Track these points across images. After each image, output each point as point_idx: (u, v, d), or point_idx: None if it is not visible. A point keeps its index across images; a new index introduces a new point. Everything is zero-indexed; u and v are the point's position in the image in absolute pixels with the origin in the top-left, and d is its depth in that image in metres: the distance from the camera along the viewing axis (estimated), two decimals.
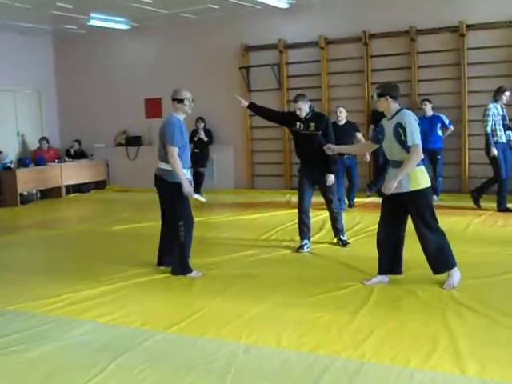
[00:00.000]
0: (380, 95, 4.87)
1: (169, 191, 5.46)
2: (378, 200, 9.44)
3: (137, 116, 12.77)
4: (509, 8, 9.30)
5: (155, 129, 12.35)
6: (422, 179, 4.79)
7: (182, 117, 5.53)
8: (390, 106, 4.85)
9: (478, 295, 4.63)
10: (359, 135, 8.84)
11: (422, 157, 4.78)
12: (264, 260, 6.05)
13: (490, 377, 3.23)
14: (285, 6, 10.65)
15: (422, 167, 4.84)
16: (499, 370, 3.29)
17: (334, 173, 6.30)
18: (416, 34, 10.02)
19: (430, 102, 9.31)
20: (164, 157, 5.43)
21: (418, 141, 4.70)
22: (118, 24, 11.94)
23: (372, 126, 9.77)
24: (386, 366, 3.42)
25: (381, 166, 9.58)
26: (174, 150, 5.32)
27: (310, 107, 6.22)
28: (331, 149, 5.55)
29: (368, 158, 9.13)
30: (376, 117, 9.80)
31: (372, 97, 5.15)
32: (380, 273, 5.10)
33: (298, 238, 6.48)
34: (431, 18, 9.85)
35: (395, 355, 3.55)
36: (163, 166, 5.46)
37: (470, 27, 9.64)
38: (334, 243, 6.64)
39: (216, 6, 10.63)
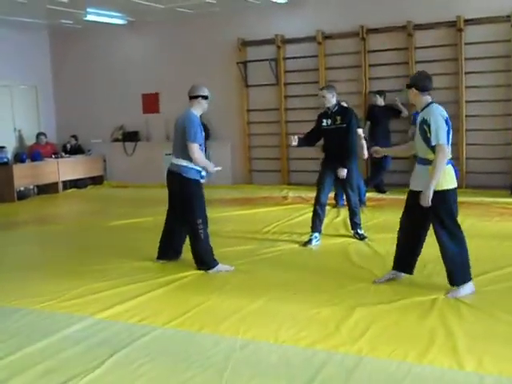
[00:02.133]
0: (408, 86, 4.63)
1: (186, 188, 5.46)
2: (376, 195, 9.52)
3: (134, 111, 12.74)
4: (506, 3, 9.29)
5: (152, 124, 12.56)
6: (442, 179, 4.44)
7: (199, 113, 5.54)
8: (417, 98, 4.60)
9: (475, 290, 4.63)
10: (360, 131, 8.79)
11: (450, 156, 4.48)
12: (262, 255, 6.05)
13: (487, 372, 3.23)
14: (282, 0, 10.61)
15: (448, 166, 4.48)
16: (496, 365, 3.30)
17: (346, 167, 6.33)
18: (413, 29, 10.01)
19: None
20: (182, 153, 5.41)
21: (443, 140, 4.38)
22: (115, 19, 11.89)
23: (368, 123, 9.76)
24: (383, 361, 3.43)
25: (378, 161, 9.57)
26: (196, 146, 5.35)
27: (337, 102, 6.39)
28: (377, 151, 5.25)
29: (366, 155, 8.95)
30: (373, 113, 9.82)
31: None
32: (394, 268, 4.93)
33: (295, 233, 6.48)
34: (428, 12, 9.84)
35: (393, 350, 3.55)
36: (181, 162, 5.44)
37: (467, 22, 9.63)
38: (332, 237, 6.66)
39: (213, 1, 10.58)
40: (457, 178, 4.62)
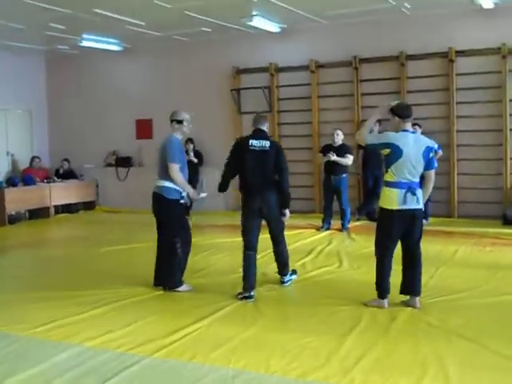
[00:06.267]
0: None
1: (166, 208, 5.61)
2: (369, 223, 9.51)
3: (127, 137, 12.78)
4: (497, 35, 9.44)
5: (145, 150, 12.60)
6: (385, 199, 4.92)
7: (180, 137, 5.77)
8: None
9: (466, 319, 4.64)
10: (349, 157, 8.92)
11: (395, 179, 4.81)
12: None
13: None
14: (276, 30, 10.75)
15: (392, 189, 4.84)
16: None
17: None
18: (406, 59, 10.14)
19: (419, 126, 9.38)
20: (163, 175, 5.59)
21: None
22: (111, 45, 11.99)
23: (361, 151, 9.79)
24: None
25: (370, 189, 9.63)
26: (176, 167, 5.53)
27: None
28: None
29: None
30: None
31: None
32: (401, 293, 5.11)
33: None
34: (421, 43, 9.98)
35: (384, 382, 3.52)
36: (162, 183, 5.61)
37: (459, 53, 9.78)
38: (322, 266, 6.65)
39: (208, 29, 10.72)
40: (404, 203, 4.82)
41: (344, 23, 10.41)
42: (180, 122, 5.68)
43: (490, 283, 5.78)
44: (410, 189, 4.82)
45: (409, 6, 9.44)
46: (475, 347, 4.07)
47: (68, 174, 12.76)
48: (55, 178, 12.38)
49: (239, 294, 5.45)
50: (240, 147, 5.69)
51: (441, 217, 9.77)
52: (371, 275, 5.17)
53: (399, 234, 4.93)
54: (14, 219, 11.11)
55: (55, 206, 11.92)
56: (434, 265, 6.38)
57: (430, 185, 5.08)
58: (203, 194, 5.95)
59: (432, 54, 9.99)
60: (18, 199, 11.12)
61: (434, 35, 9.90)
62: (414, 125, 9.43)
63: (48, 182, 11.97)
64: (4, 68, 12.28)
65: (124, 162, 12.79)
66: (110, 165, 12.96)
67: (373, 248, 5.13)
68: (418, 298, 5.00)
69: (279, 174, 5.59)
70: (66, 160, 12.91)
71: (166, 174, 5.57)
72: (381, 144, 4.90)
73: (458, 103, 9.85)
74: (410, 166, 4.81)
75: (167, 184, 5.58)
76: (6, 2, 8.44)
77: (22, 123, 13.16)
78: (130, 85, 12.71)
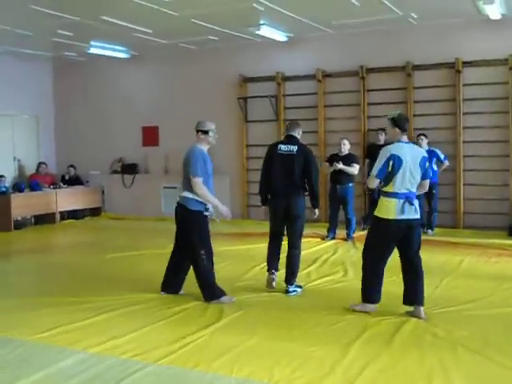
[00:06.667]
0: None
1: (190, 219, 5.57)
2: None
3: (133, 144, 12.81)
4: (504, 46, 9.45)
5: (151, 157, 12.61)
6: (382, 209, 4.99)
7: (205, 148, 5.65)
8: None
9: (471, 330, 4.62)
10: (355, 166, 8.93)
11: (393, 190, 4.89)
12: (258, 291, 6.01)
13: None
14: (283, 39, 10.79)
15: (390, 199, 4.92)
16: None
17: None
18: (412, 70, 10.15)
19: (426, 136, 9.38)
20: (187, 186, 5.55)
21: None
22: (118, 52, 12.05)
23: (367, 160, 9.80)
24: None
25: (376, 198, 9.58)
26: (199, 180, 5.45)
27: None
28: None
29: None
30: (371, 151, 9.87)
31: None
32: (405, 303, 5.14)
33: None
34: (428, 53, 9.99)
35: None
36: (186, 194, 5.56)
37: (466, 64, 9.78)
38: (327, 275, 6.64)
39: (215, 38, 10.76)
40: (402, 213, 4.91)
41: (351, 33, 10.44)
42: (206, 132, 5.59)
43: (495, 294, 5.76)
44: (408, 199, 4.91)
45: (416, 16, 9.47)
46: (480, 359, 4.05)
47: (74, 181, 12.81)
48: (61, 184, 12.42)
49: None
50: (270, 152, 6.09)
51: (446, 227, 9.74)
52: None
53: (395, 243, 5.00)
54: (19, 225, 11.15)
55: (61, 212, 11.94)
56: (439, 275, 6.37)
57: (422, 191, 5.20)
58: (229, 215, 5.78)
59: (439, 65, 10.00)
60: (24, 205, 11.16)
61: (441, 45, 9.92)
62: (420, 135, 9.50)
63: (54, 188, 12.01)
64: (11, 74, 12.34)
65: (130, 168, 12.82)
66: (115, 171, 12.99)
67: None
68: (422, 308, 4.98)
69: (307, 178, 5.90)
70: (72, 166, 12.96)
71: (189, 185, 5.51)
72: (386, 161, 4.91)
73: (464, 114, 9.85)
74: (409, 175, 4.92)
75: (191, 195, 5.52)
76: (15, 9, 8.50)
77: (29, 129, 13.21)
78: (136, 92, 12.76)
